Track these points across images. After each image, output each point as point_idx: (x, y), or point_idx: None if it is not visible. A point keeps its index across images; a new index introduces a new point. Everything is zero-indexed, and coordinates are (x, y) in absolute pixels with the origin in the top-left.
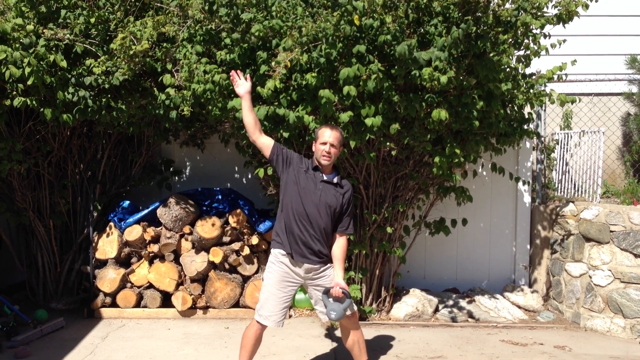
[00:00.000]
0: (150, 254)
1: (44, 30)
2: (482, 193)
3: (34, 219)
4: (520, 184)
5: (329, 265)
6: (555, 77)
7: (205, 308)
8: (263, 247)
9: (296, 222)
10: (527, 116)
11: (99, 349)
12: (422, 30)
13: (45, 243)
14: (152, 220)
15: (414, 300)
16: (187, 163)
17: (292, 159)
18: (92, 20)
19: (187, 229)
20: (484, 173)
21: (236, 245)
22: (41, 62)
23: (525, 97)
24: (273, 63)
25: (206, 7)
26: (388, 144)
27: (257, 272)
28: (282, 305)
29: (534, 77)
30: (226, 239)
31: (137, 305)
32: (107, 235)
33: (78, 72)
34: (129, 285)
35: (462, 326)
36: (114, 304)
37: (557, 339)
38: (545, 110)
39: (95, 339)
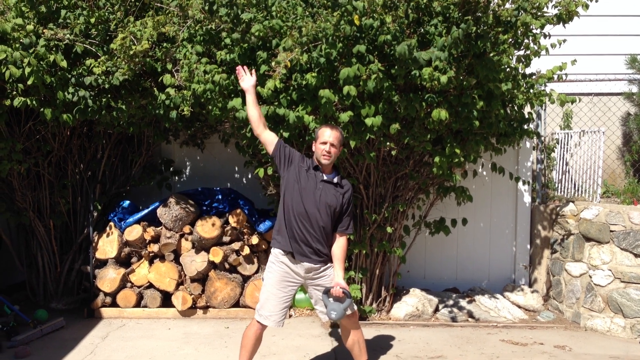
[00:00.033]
0: (151, 254)
1: (44, 30)
2: (482, 193)
3: (34, 218)
4: (520, 183)
5: (329, 265)
6: (555, 77)
7: (206, 308)
8: (263, 246)
9: (296, 222)
10: (527, 116)
11: (99, 349)
12: (422, 30)
13: (45, 243)
14: (152, 220)
15: (414, 300)
16: (187, 163)
17: (293, 158)
18: (92, 20)
19: (187, 229)
20: (484, 173)
21: (236, 245)
22: (41, 62)
23: (525, 97)
24: (273, 63)
25: (206, 7)
26: (388, 143)
27: (257, 271)
28: (282, 305)
29: (534, 77)
30: (226, 238)
31: (137, 305)
32: (107, 235)
33: (78, 72)
34: (129, 285)
35: (462, 326)
36: (114, 304)
37: (557, 339)
38: (545, 110)
39: (96, 338)
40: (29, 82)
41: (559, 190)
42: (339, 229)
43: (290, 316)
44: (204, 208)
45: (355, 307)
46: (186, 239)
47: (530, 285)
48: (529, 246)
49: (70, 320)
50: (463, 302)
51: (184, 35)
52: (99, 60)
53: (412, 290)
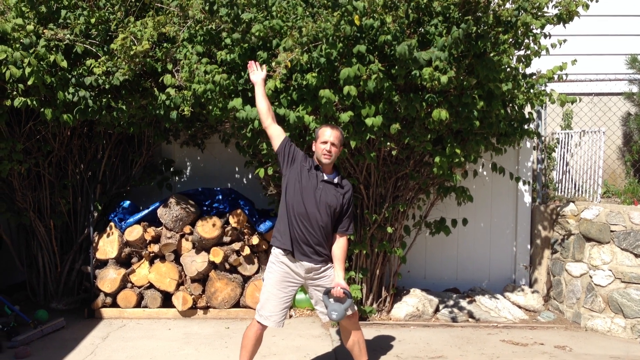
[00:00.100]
0: (151, 254)
1: (44, 31)
2: (482, 193)
3: (34, 219)
4: (520, 183)
5: (329, 265)
6: (556, 77)
7: (206, 308)
8: (263, 247)
9: (296, 221)
10: (527, 116)
11: (99, 349)
12: (423, 30)
13: (45, 243)
14: (152, 220)
15: (415, 300)
16: (188, 163)
17: (296, 157)
18: (93, 20)
19: (187, 229)
20: (485, 173)
21: (237, 245)
22: (41, 62)
23: (525, 97)
24: (273, 63)
25: (206, 7)
26: (388, 143)
27: (257, 272)
28: (282, 306)
29: (534, 77)
30: (227, 239)
31: (138, 305)
32: (108, 235)
33: (78, 72)
34: (129, 285)
35: (462, 326)
36: (114, 304)
37: (558, 339)
38: (545, 110)
39: (96, 339)
40: (29, 82)
41: (560, 191)
42: (339, 230)
43: (290, 316)
44: (205, 208)
45: (356, 308)
46: (186, 239)
47: (530, 286)
48: (529, 246)
49: (70, 320)
50: (463, 303)
51: (185, 36)
52: (99, 60)
53: (412, 290)
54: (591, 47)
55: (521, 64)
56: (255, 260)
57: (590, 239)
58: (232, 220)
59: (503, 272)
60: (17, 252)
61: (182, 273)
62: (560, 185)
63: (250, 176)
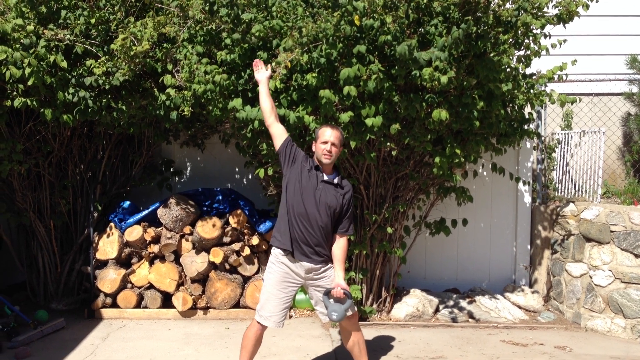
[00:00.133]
0: (151, 255)
1: (44, 31)
2: (482, 193)
3: (34, 219)
4: (520, 184)
5: (329, 265)
6: (556, 77)
7: (206, 308)
8: (263, 247)
9: (296, 221)
10: (527, 116)
11: (99, 350)
12: (423, 30)
13: (45, 243)
14: (152, 220)
15: (415, 301)
16: (188, 163)
17: (297, 157)
18: (93, 20)
19: (187, 230)
20: (485, 173)
21: (237, 246)
22: (41, 63)
23: (525, 97)
24: (273, 63)
25: (207, 8)
26: (388, 144)
27: (257, 272)
28: (282, 306)
29: (534, 77)
30: (227, 239)
31: (138, 305)
32: (108, 236)
33: (78, 72)
34: (129, 285)
35: (462, 326)
36: (114, 305)
37: (558, 339)
38: (545, 110)
39: (96, 339)
40: (29, 83)
41: (560, 191)
42: (339, 230)
43: (290, 317)
44: (205, 209)
45: (356, 308)
46: (186, 240)
47: (530, 286)
48: (529, 246)
49: (70, 320)
50: (463, 303)
51: (185, 36)
52: (99, 60)
53: (412, 290)
54: (591, 47)
55: (521, 64)
56: (255, 260)
57: (590, 239)
58: (232, 221)
59: (503, 273)
60: (17, 252)
61: (182, 273)
62: (560, 185)
63: (250, 176)
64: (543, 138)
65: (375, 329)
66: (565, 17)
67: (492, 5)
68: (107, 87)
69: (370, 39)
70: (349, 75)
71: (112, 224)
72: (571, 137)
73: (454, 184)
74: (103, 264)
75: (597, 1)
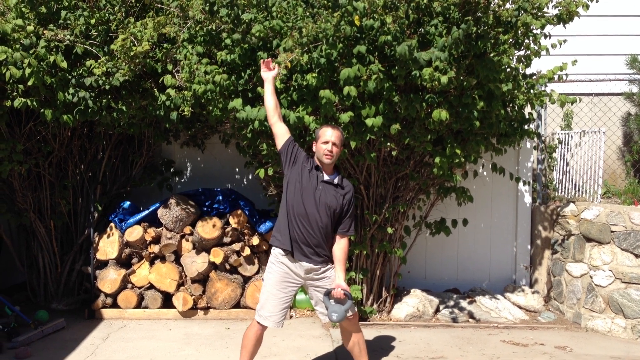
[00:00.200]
0: (151, 255)
1: (44, 31)
2: (482, 193)
3: (34, 219)
4: (520, 184)
5: (329, 266)
6: (556, 77)
7: (206, 309)
8: (264, 247)
9: (296, 221)
10: (527, 116)
11: (99, 350)
12: (423, 30)
13: (46, 244)
14: (152, 220)
15: (415, 301)
16: (188, 164)
17: (298, 157)
18: (93, 21)
19: (187, 230)
20: (485, 173)
21: (237, 246)
22: (41, 63)
23: (525, 98)
24: (273, 64)
25: (207, 8)
26: (388, 144)
27: (257, 272)
28: (282, 306)
29: (534, 77)
30: (227, 239)
31: (138, 305)
32: (108, 236)
33: (78, 73)
34: (129, 285)
35: (463, 326)
36: (114, 305)
37: (558, 340)
38: (545, 111)
39: (96, 339)
40: (30, 83)
41: (560, 191)
42: (339, 230)
43: (290, 317)
44: (205, 209)
45: (356, 309)
46: (187, 240)
47: (531, 286)
48: (529, 247)
49: (70, 321)
50: (464, 303)
51: (185, 36)
52: (99, 61)
53: (412, 290)
54: (591, 47)
55: (521, 64)
56: (256, 260)
57: (590, 240)
58: (233, 221)
59: (503, 273)
60: (18, 252)
61: (183, 274)
62: (560, 185)
63: (250, 177)
64: (543, 138)
65: (375, 329)
66: (565, 17)
67: (492, 5)
68: (107, 87)
69: (371, 39)
70: (349, 75)
71: (112, 224)
72: (571, 137)
73: (454, 184)
74: (103, 264)
75: (597, 1)
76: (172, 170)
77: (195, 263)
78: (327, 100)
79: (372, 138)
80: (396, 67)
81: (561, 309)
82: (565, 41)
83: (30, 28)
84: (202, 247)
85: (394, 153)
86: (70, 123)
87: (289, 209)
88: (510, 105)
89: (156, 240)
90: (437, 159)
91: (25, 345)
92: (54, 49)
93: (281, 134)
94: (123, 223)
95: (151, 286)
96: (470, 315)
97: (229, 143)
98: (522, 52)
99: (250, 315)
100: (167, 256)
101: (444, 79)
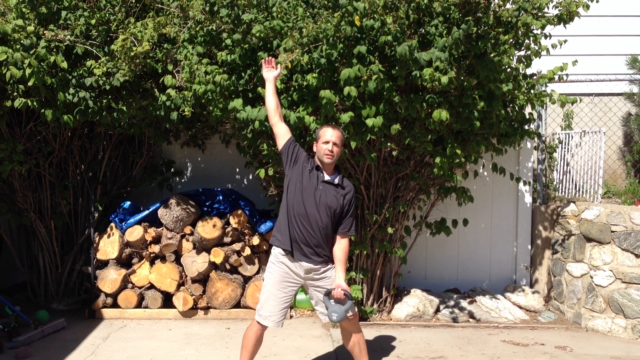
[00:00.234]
0: (151, 255)
1: (45, 32)
2: (483, 193)
3: (35, 219)
4: (521, 184)
5: (329, 266)
6: (556, 77)
7: (207, 308)
8: (264, 247)
9: (296, 221)
10: (528, 116)
11: (100, 350)
12: (423, 30)
13: (46, 244)
14: (153, 220)
15: (415, 301)
16: (188, 164)
17: (299, 157)
18: (93, 21)
19: (188, 230)
20: (485, 173)
21: (237, 246)
22: (42, 63)
23: (526, 98)
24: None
25: (207, 8)
26: (389, 144)
27: (258, 272)
28: (282, 306)
29: (534, 77)
30: (227, 239)
31: (138, 305)
32: (108, 236)
33: (79, 73)
34: (130, 285)
35: (463, 326)
36: (115, 305)
37: (558, 339)
38: (546, 111)
39: (97, 339)
40: (30, 83)
41: (560, 191)
42: (340, 230)
43: (291, 317)
44: (205, 209)
45: (356, 309)
46: (187, 240)
47: (531, 286)
48: (529, 247)
49: (71, 321)
50: (464, 303)
51: (185, 36)
52: (99, 61)
53: (413, 290)
54: (591, 47)
55: (522, 64)
56: (256, 260)
57: (590, 240)
58: (233, 221)
59: (504, 273)
60: (18, 252)
61: (183, 273)
62: (560, 185)
63: (250, 177)
64: (543, 138)
65: (375, 329)
66: (565, 18)
67: (492, 5)
68: (107, 87)
69: (371, 39)
70: (349, 75)
71: (112, 224)
72: (572, 137)
73: (455, 184)
74: (104, 264)
75: (597, 1)
76: (172, 170)
77: (195, 263)
78: (328, 100)
79: (373, 138)
80: (396, 68)
81: (561, 309)
82: (565, 41)
83: (31, 28)
84: (202, 247)
85: (394, 153)
86: (71, 123)
87: (289, 209)
88: (511, 105)
89: (156, 240)
90: (437, 159)
91: (26, 345)
92: (55, 49)
93: (282, 134)
94: (123, 223)
95: (151, 286)
96: (471, 315)
97: (230, 143)
98: (522, 53)
99: (251, 315)
100: (167, 256)
101: (445, 79)
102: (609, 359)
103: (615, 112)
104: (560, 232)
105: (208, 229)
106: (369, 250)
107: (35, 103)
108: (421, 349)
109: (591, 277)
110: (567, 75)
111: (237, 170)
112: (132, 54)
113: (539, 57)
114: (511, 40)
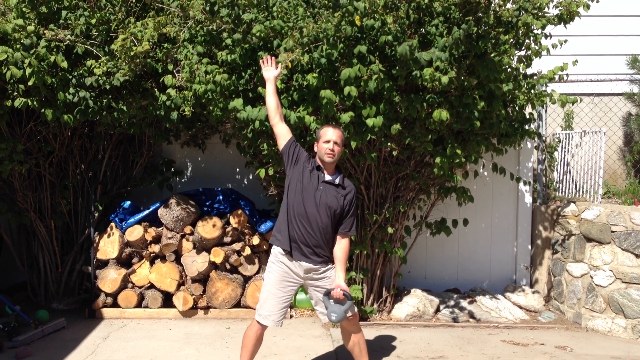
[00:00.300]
0: (152, 254)
1: (45, 31)
2: (483, 193)
3: (35, 219)
4: (521, 184)
5: (329, 266)
6: (557, 77)
7: (207, 308)
8: (264, 247)
9: (296, 221)
10: (528, 116)
11: (100, 349)
12: (423, 30)
13: (46, 243)
14: (153, 220)
15: (415, 301)
16: (188, 163)
17: (300, 157)
18: (93, 21)
19: (188, 230)
20: (485, 173)
21: (237, 246)
22: (42, 63)
23: (526, 98)
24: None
25: (207, 8)
26: (389, 144)
27: (258, 272)
28: (281, 305)
29: (535, 77)
30: (227, 239)
31: (139, 305)
32: (109, 236)
33: (79, 72)
34: (130, 285)
35: (463, 326)
36: (115, 304)
37: (559, 339)
38: (546, 111)
39: (97, 339)
40: (30, 83)
41: (560, 191)
42: (340, 230)
43: (291, 317)
44: (205, 209)
45: (356, 309)
46: (187, 240)
47: (531, 286)
48: (530, 247)
49: (71, 320)
50: (464, 303)
51: (185, 36)
52: (99, 61)
53: (413, 290)
54: (592, 47)
55: (522, 64)
56: (256, 260)
57: (591, 240)
58: (233, 221)
59: (504, 273)
60: (18, 252)
61: (183, 273)
62: (560, 185)
63: (250, 177)
64: (544, 138)
65: (375, 329)
66: (566, 18)
67: (492, 5)
68: (107, 87)
69: (371, 39)
70: (349, 75)
71: (112, 224)
72: (572, 137)
73: (455, 184)
74: (104, 263)
75: (597, 1)
76: (172, 170)
77: (195, 263)
78: (328, 100)
79: (373, 138)
80: (397, 67)
81: (561, 308)
82: (565, 41)
83: (31, 28)
84: (202, 246)
85: (394, 153)
86: (71, 123)
87: (289, 208)
88: (511, 105)
89: (156, 239)
90: (437, 159)
91: (26, 345)
92: (55, 49)
93: (283, 135)
94: (123, 223)
95: (151, 286)
96: (471, 315)
97: (230, 143)
98: (522, 52)
99: (251, 314)
100: (167, 256)
101: (445, 79)
102: (609, 359)
103: (615, 112)
104: (560, 232)
105: (208, 228)
106: (369, 250)
107: (35, 103)
108: (421, 348)
109: (591, 277)
110: (567, 75)
111: (237, 170)
112: (132, 53)
113: (539, 57)
114: (511, 40)
